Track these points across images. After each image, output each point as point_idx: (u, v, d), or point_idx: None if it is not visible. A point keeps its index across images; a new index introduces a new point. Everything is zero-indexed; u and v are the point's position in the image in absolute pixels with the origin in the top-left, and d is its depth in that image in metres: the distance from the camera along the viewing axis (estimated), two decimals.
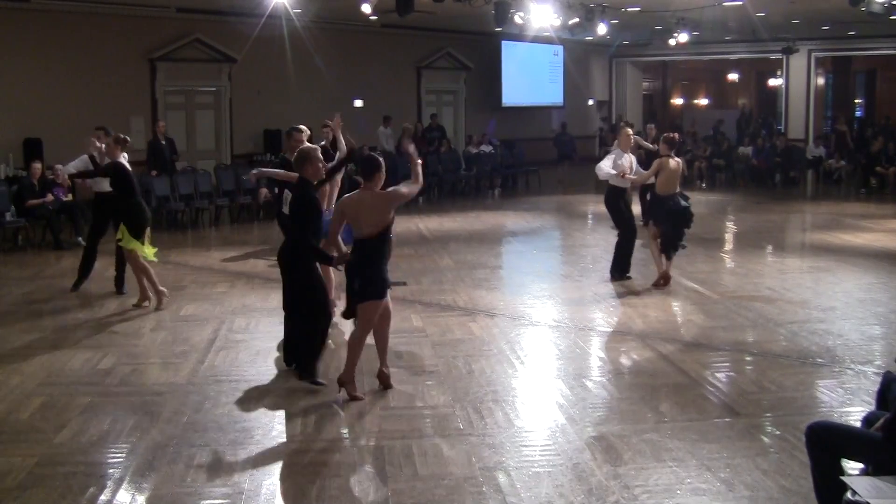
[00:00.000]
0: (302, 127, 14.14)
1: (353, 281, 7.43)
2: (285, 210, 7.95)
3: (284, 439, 6.69)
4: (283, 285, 8.08)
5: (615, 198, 12.30)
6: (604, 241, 16.04)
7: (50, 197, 15.32)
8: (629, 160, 12.14)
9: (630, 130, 12.57)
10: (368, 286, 7.39)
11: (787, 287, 11.90)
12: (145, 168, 18.00)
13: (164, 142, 18.56)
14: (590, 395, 7.66)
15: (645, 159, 15.36)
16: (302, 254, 7.68)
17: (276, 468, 6.18)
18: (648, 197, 15.49)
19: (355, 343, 7.53)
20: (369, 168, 7.51)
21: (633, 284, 12.04)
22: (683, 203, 11.66)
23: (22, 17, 18.48)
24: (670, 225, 11.61)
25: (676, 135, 12.29)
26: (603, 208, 17.23)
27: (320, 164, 7.81)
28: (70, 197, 15.95)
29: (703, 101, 41.44)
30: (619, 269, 12.25)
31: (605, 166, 11.95)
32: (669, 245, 11.67)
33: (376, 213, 7.38)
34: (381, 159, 7.63)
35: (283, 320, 8.46)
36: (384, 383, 7.75)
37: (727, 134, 30.27)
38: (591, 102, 34.37)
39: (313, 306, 7.76)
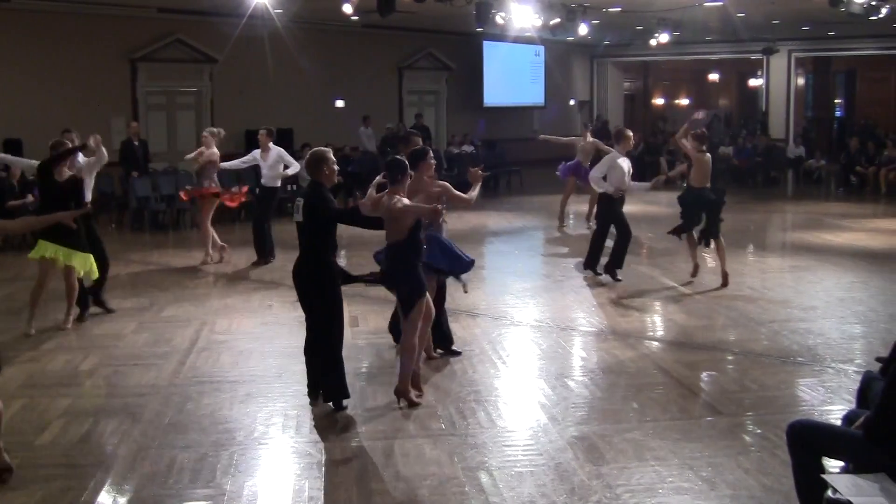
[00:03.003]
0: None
1: (400, 290, 7.40)
2: (298, 218, 7.32)
3: (267, 441, 6.67)
4: (306, 307, 7.39)
5: (613, 202, 12.11)
6: (586, 241, 16.07)
7: (30, 198, 15.22)
8: (628, 164, 12.09)
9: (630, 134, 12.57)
10: (413, 289, 7.32)
11: (769, 286, 11.96)
12: (121, 169, 18.03)
13: (136, 143, 18.47)
14: (572, 394, 7.67)
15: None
16: (319, 265, 7.26)
17: (259, 469, 6.16)
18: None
19: (411, 349, 7.36)
20: (395, 171, 7.37)
21: (615, 284, 12.06)
22: (713, 196, 11.87)
23: (1, 16, 18.37)
24: (696, 213, 11.86)
25: (704, 130, 12.33)
26: (584, 208, 17.37)
27: (336, 168, 7.49)
28: None
29: (685, 102, 41.54)
30: (616, 265, 12.27)
31: (608, 183, 12.01)
32: (686, 228, 11.98)
33: (400, 219, 7.24)
34: (406, 162, 7.50)
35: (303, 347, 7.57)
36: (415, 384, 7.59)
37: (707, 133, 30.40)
38: (572, 103, 34.42)
39: (337, 320, 7.33)
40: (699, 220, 11.88)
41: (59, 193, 9.58)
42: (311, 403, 7.36)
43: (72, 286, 9.85)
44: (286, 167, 13.72)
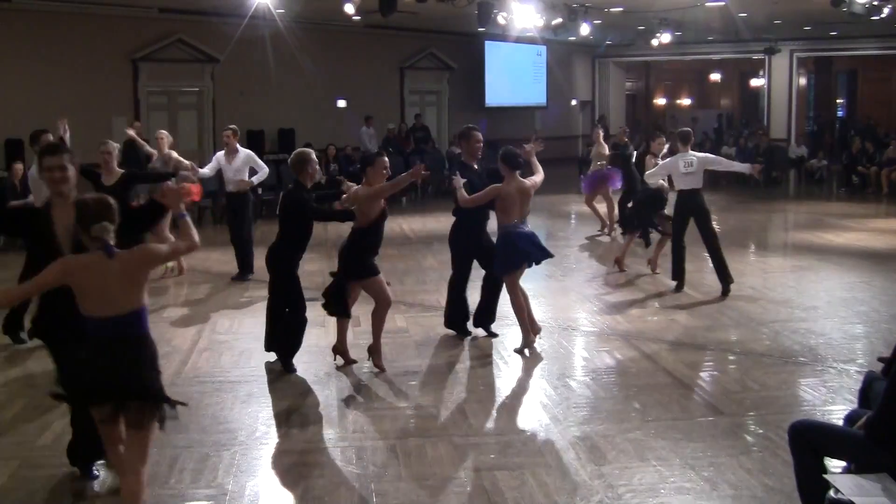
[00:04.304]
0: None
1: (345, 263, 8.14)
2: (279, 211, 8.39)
3: (268, 440, 6.67)
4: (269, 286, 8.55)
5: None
6: (587, 241, 16.10)
7: (31, 198, 15.19)
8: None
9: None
10: (357, 266, 8.08)
11: (770, 286, 11.95)
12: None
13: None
14: (573, 394, 7.67)
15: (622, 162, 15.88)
16: (281, 255, 8.15)
17: (260, 469, 6.16)
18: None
19: (378, 318, 8.30)
20: (362, 163, 8.33)
21: (617, 285, 12.07)
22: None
23: (2, 17, 18.37)
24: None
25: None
26: (585, 208, 17.34)
27: (317, 168, 8.24)
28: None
29: (686, 102, 41.54)
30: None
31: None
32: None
33: (363, 207, 7.95)
34: (376, 156, 8.18)
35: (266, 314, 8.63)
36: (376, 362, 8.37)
37: (709, 134, 30.43)
38: (574, 103, 34.41)
39: (293, 301, 8.30)
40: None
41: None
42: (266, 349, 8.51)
43: None
44: (254, 173, 12.64)
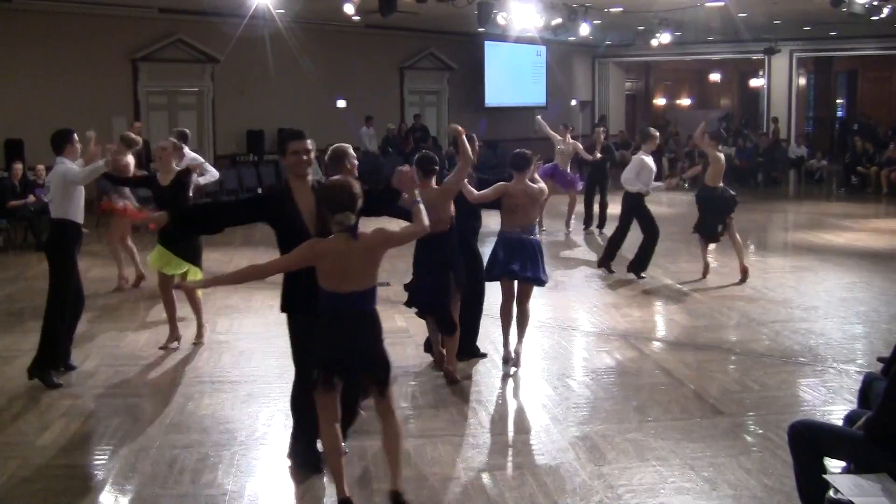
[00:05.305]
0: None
1: (452, 275, 8.11)
2: None
3: (268, 441, 6.67)
4: None
5: (642, 201, 12.44)
6: (586, 241, 16.09)
7: (31, 198, 15.22)
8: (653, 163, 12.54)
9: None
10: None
11: (770, 286, 11.95)
12: None
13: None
14: (573, 394, 7.67)
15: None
16: None
17: (260, 469, 6.16)
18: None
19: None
20: (425, 165, 7.91)
21: (616, 284, 12.08)
22: (731, 192, 12.43)
23: (2, 16, 18.38)
24: (715, 213, 12.25)
25: (721, 130, 12.68)
26: (583, 208, 17.33)
27: (356, 163, 7.67)
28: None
29: (686, 102, 41.55)
30: (639, 266, 12.40)
31: (640, 181, 12.19)
32: (711, 233, 12.35)
33: (438, 210, 7.59)
34: (435, 157, 8.08)
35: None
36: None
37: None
38: (573, 103, 34.39)
39: None
40: (718, 218, 12.22)
41: (163, 198, 8.92)
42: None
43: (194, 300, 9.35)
44: (200, 175, 11.03)
